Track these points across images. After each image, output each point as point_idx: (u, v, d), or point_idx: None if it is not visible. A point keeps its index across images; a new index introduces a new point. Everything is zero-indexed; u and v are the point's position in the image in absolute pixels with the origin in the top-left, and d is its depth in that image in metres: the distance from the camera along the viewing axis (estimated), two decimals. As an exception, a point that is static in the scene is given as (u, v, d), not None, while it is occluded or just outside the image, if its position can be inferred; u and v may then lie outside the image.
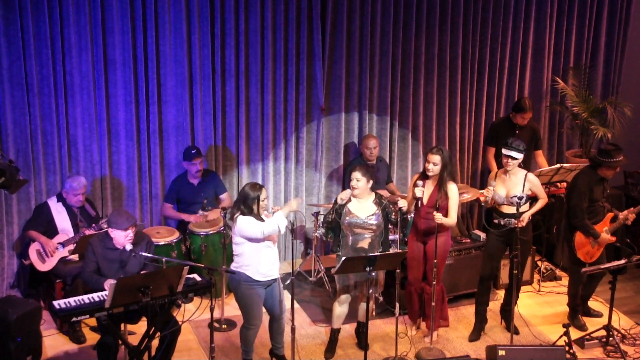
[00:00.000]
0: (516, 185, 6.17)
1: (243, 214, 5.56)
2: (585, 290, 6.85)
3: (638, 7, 8.74)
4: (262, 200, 5.59)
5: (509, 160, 6.11)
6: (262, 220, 5.57)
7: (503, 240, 6.29)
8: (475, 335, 6.50)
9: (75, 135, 6.98)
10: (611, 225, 6.53)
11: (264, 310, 5.81)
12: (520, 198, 6.06)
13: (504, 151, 6.13)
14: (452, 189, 6.04)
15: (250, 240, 5.56)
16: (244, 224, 5.54)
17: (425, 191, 6.02)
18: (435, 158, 5.97)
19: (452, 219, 6.01)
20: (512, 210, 6.16)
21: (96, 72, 6.90)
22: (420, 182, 5.99)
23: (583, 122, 8.20)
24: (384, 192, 7.28)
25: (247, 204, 5.56)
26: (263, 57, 7.40)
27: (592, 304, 7.04)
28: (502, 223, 6.21)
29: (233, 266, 5.69)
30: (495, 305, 6.84)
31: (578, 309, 6.79)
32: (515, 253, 6.15)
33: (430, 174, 6.01)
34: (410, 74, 7.95)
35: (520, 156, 6.11)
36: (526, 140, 7.79)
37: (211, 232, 6.88)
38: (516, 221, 6.10)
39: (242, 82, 7.39)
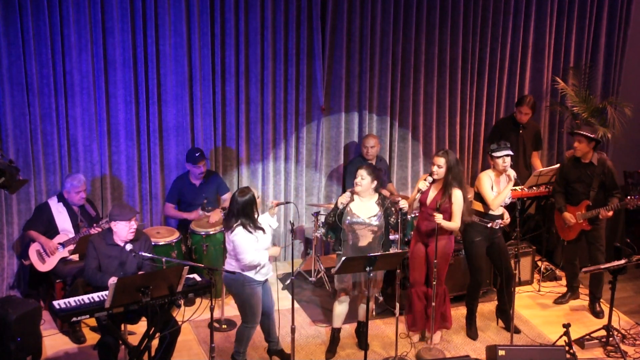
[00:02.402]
0: (505, 185, 6.26)
1: (243, 225, 5.54)
2: (592, 290, 6.94)
3: (638, 7, 8.74)
4: (258, 197, 5.68)
5: (505, 158, 6.15)
6: (260, 229, 5.60)
7: (484, 241, 6.34)
8: (474, 333, 6.54)
9: (75, 135, 6.98)
10: (586, 212, 6.70)
11: None
12: (509, 198, 6.31)
13: (500, 153, 6.16)
14: (457, 194, 5.94)
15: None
16: (244, 246, 5.52)
17: (430, 192, 6.03)
18: (440, 160, 5.95)
19: (455, 223, 5.98)
20: (499, 211, 6.26)
21: (96, 72, 6.90)
22: (429, 178, 5.98)
23: (583, 122, 8.19)
24: (384, 192, 7.29)
25: (246, 212, 5.54)
26: (263, 57, 7.40)
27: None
28: (492, 225, 6.26)
29: (229, 268, 5.68)
30: (495, 305, 6.84)
31: (576, 271, 7.04)
32: (516, 252, 6.27)
33: (435, 176, 5.98)
34: (410, 74, 7.96)
35: (511, 153, 6.22)
36: (529, 140, 7.87)
37: (212, 232, 6.88)
38: (502, 221, 6.29)
39: (242, 82, 7.40)
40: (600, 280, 6.84)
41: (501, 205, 6.25)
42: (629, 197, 6.54)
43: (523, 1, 8.20)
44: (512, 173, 6.17)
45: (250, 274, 5.61)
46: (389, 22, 7.72)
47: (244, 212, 5.52)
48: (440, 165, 5.94)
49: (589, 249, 6.87)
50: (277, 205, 5.93)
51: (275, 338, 6.03)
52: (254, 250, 5.54)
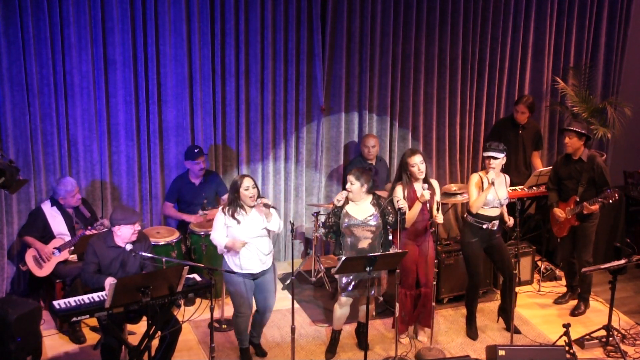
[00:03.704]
0: (501, 187, 6.25)
1: (223, 206, 5.78)
2: (581, 288, 6.97)
3: (638, 7, 8.74)
4: (246, 190, 5.68)
5: (491, 160, 6.15)
6: (234, 219, 5.71)
7: (480, 243, 6.34)
8: (474, 333, 6.54)
9: (75, 135, 6.98)
10: (573, 207, 6.71)
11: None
12: (506, 199, 6.32)
13: (484, 153, 6.22)
14: (435, 184, 6.20)
15: None
16: (214, 223, 5.85)
17: (418, 194, 6.04)
18: (419, 157, 6.00)
19: (440, 214, 6.04)
20: (496, 212, 6.26)
21: (96, 72, 6.90)
22: (425, 185, 5.99)
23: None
24: (384, 193, 7.27)
25: (230, 195, 5.80)
26: (263, 57, 7.40)
27: (593, 303, 7.08)
28: (488, 227, 6.25)
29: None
30: (495, 305, 6.85)
31: (574, 270, 7.03)
32: (516, 252, 6.24)
33: (422, 175, 6.00)
34: (410, 74, 7.96)
35: (500, 156, 6.15)
36: (529, 140, 7.87)
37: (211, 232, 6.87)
38: (495, 222, 6.27)
39: (242, 82, 7.40)
40: (584, 276, 6.79)
41: (496, 206, 6.23)
42: (609, 191, 6.47)
43: (523, 1, 8.20)
44: (491, 176, 6.16)
45: (228, 262, 5.79)
46: (389, 22, 7.72)
47: (232, 192, 5.77)
48: (422, 162, 6.00)
49: (575, 245, 6.85)
50: (264, 205, 5.71)
51: (259, 333, 6.16)
52: (217, 231, 5.77)
